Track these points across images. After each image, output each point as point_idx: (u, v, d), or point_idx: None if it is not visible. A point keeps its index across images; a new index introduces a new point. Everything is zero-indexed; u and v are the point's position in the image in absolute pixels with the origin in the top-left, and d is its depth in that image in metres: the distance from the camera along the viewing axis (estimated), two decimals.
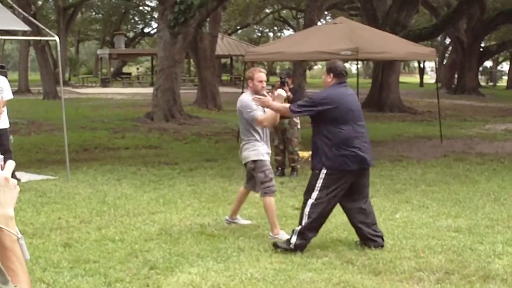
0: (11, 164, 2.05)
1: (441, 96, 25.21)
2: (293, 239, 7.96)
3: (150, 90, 33.33)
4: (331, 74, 8.34)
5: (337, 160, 8.01)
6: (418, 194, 11.65)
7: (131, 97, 43.63)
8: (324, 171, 8.03)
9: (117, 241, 8.41)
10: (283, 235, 8.56)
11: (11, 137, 13.11)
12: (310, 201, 8.06)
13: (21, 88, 46.65)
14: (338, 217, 9.68)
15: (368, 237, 8.15)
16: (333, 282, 6.80)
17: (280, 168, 13.74)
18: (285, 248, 7.92)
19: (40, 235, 8.69)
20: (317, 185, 8.02)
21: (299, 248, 7.93)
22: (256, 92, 8.89)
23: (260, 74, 9.09)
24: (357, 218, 8.30)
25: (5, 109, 12.68)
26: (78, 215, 9.84)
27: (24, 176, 12.96)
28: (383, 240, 8.19)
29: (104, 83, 58.00)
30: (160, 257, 7.66)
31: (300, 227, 8.03)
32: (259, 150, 8.80)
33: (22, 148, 17.31)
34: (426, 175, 13.69)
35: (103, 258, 7.65)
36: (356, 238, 8.51)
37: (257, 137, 8.86)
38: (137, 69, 79.17)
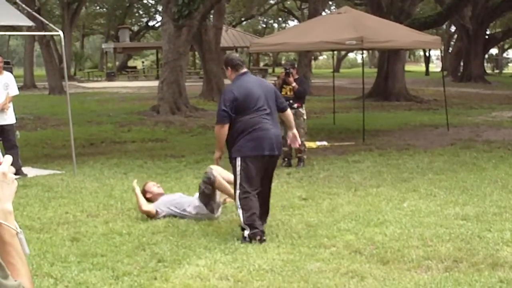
0: (8, 158, 2.05)
1: (447, 84, 25.17)
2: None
3: (155, 83, 33.33)
4: (229, 68, 8.44)
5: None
6: (426, 182, 11.62)
7: (136, 90, 43.64)
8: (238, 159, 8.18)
9: (124, 234, 8.42)
10: None
11: (17, 132, 13.14)
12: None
13: (27, 84, 46.73)
14: (345, 207, 9.69)
15: None
16: (341, 272, 6.79)
17: (286, 159, 13.73)
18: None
19: (48, 229, 8.69)
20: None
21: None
22: (156, 198, 9.57)
23: (148, 184, 9.92)
24: None
25: (11, 104, 12.71)
26: (85, 209, 9.84)
27: (31, 171, 12.98)
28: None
29: (110, 77, 58.03)
30: (168, 250, 7.66)
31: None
32: None
33: (28, 144, 17.33)
34: (433, 164, 13.65)
35: (111, 251, 7.65)
36: (363, 227, 8.50)
37: None
38: (142, 62, 79.26)
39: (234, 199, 8.38)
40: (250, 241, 7.94)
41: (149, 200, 9.57)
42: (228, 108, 8.13)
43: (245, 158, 8.14)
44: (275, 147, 8.31)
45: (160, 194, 9.51)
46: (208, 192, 9.16)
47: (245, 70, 8.51)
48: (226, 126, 8.20)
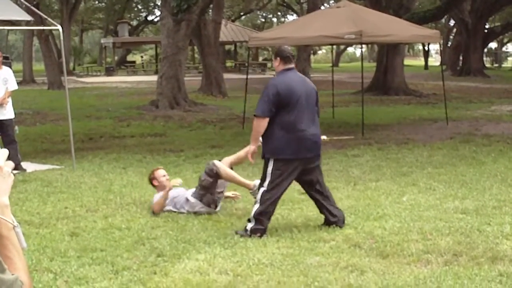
0: (3, 152, 2.04)
1: (446, 78, 25.16)
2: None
3: (154, 78, 33.31)
4: (278, 59, 8.32)
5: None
6: (425, 176, 11.62)
7: (135, 85, 43.61)
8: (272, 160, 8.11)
9: (123, 229, 8.41)
10: None
11: (16, 127, 13.13)
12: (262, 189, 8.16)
13: (26, 79, 46.70)
14: (344, 201, 9.68)
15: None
16: (340, 266, 6.79)
17: None
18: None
19: (47, 224, 8.68)
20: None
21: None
22: (163, 188, 9.38)
23: (159, 171, 9.71)
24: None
25: (10, 99, 12.70)
26: (84, 204, 9.84)
27: (30, 166, 12.97)
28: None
29: (109, 71, 57.96)
30: (167, 244, 7.65)
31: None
32: None
33: (27, 139, 17.32)
34: (432, 158, 13.65)
35: (110, 246, 7.65)
36: (362, 221, 8.50)
37: None
38: (141, 57, 79.13)
39: (258, 193, 8.26)
40: (250, 235, 7.93)
41: (153, 186, 9.58)
42: (270, 102, 8.01)
43: (279, 160, 8.06)
44: (311, 148, 8.19)
45: (165, 187, 9.38)
46: (207, 184, 9.15)
47: (293, 65, 8.39)
48: (267, 120, 8.04)
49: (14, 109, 12.96)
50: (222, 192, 9.42)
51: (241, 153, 9.60)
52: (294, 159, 8.08)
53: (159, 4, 56.14)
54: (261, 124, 8.09)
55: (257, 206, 8.11)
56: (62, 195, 10.50)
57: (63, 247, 7.60)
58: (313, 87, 8.49)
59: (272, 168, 8.07)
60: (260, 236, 7.94)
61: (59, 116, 22.89)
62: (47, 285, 6.41)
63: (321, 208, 8.42)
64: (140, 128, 20.09)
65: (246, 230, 8.04)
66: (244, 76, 21.92)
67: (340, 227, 8.26)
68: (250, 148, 8.46)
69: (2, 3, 13.26)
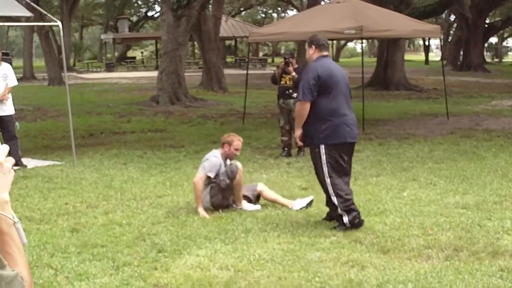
0: (4, 148, 2.03)
1: (446, 73, 25.12)
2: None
3: (155, 73, 33.29)
4: (313, 47, 8.31)
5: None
6: (426, 171, 11.62)
7: (136, 81, 43.59)
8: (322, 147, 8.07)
9: (124, 225, 8.41)
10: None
11: (17, 123, 13.14)
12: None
13: (26, 75, 46.64)
14: None
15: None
16: (341, 261, 6.79)
17: (286, 149, 13.71)
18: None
19: (47, 220, 8.69)
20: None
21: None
22: (228, 157, 9.21)
23: (239, 142, 9.33)
24: None
25: (10, 95, 12.69)
26: (85, 200, 9.84)
27: (30, 162, 12.97)
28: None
29: (109, 67, 57.91)
30: (168, 240, 7.66)
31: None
32: None
33: (28, 135, 17.32)
34: (433, 153, 13.65)
35: (111, 242, 7.65)
36: (363, 217, 8.49)
37: None
38: (142, 53, 79.08)
39: (326, 188, 8.15)
40: (351, 227, 7.90)
41: (221, 147, 9.30)
42: (312, 86, 8.01)
43: (329, 145, 8.03)
44: (353, 134, 8.24)
45: (230, 157, 9.21)
46: (224, 186, 9.04)
47: (327, 53, 8.43)
48: (309, 104, 8.04)
49: (14, 105, 12.96)
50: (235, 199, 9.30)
51: (279, 199, 9.39)
52: (342, 143, 8.09)
53: (159, 0, 56.11)
54: (305, 108, 8.08)
55: (335, 199, 8.04)
56: (63, 191, 10.50)
57: (64, 243, 7.60)
58: (346, 76, 8.52)
59: (326, 156, 8.03)
60: (359, 221, 7.96)
61: (60, 112, 22.88)
62: (47, 281, 6.41)
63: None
64: (140, 123, 20.09)
65: (344, 224, 7.97)
66: (245, 72, 21.92)
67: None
68: (296, 133, 8.35)
69: (2, 0, 13.25)
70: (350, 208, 7.99)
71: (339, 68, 8.51)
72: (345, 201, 7.99)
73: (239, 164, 9.20)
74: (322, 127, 8.03)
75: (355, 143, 8.40)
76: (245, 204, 9.19)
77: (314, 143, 8.14)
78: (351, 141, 8.24)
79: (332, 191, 8.05)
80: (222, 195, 9.09)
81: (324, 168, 8.05)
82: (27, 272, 2.00)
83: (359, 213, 8.04)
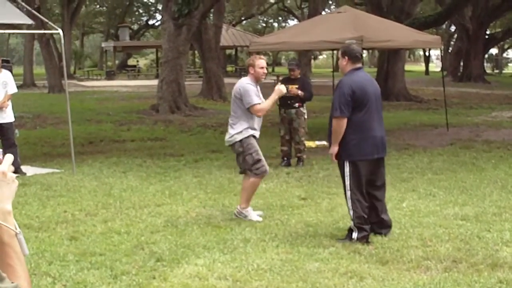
0: (9, 158, 2.02)
1: (446, 84, 25.14)
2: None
3: (155, 82, 33.31)
4: (347, 58, 8.16)
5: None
6: (425, 182, 11.61)
7: (136, 89, 43.62)
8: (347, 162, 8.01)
9: (123, 233, 8.40)
10: (250, 213, 8.96)
11: (16, 131, 13.14)
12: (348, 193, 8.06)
13: (26, 82, 46.69)
14: (344, 207, 9.66)
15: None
16: (340, 272, 6.78)
17: (286, 159, 13.71)
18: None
19: (46, 228, 8.67)
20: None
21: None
22: (257, 79, 8.94)
23: (261, 60, 9.16)
24: None
25: (10, 103, 12.69)
26: (84, 208, 9.83)
27: (29, 170, 12.96)
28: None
29: (109, 75, 58.00)
30: (167, 249, 7.64)
31: None
32: (248, 131, 8.86)
33: (27, 142, 17.32)
34: (432, 164, 13.64)
35: (109, 250, 7.64)
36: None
37: (249, 124, 8.90)
38: (137, 61, 78.92)
39: (346, 200, 8.11)
40: (357, 241, 7.86)
41: (247, 71, 9.16)
42: (348, 102, 7.89)
43: (354, 161, 7.97)
44: (381, 149, 8.16)
45: (258, 80, 9.07)
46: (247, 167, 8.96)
47: (361, 65, 8.28)
48: (345, 120, 7.92)
49: (14, 112, 12.96)
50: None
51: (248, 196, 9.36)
52: (367, 159, 8.02)
53: (160, 8, 56.19)
54: (341, 124, 7.96)
55: (351, 212, 8.02)
56: (62, 199, 10.49)
57: (62, 251, 7.59)
58: (378, 86, 8.43)
59: (349, 171, 7.99)
60: (367, 241, 7.87)
61: (59, 120, 22.89)
62: None
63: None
64: (140, 132, 20.09)
65: (351, 238, 7.94)
66: None
67: (385, 235, 8.19)
68: (332, 149, 8.17)
69: (3, 7, 13.26)
70: (362, 227, 7.95)
71: (372, 81, 8.36)
72: (359, 218, 7.94)
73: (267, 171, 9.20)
74: (350, 143, 7.95)
75: (383, 157, 8.32)
76: (249, 210, 9.15)
77: (341, 157, 8.08)
78: (378, 157, 8.17)
79: (350, 205, 8.02)
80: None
81: (346, 181, 8.02)
82: (27, 284, 1.99)
83: (369, 234, 7.98)
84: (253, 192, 9.18)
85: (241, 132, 8.96)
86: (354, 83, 7.98)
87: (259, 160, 8.96)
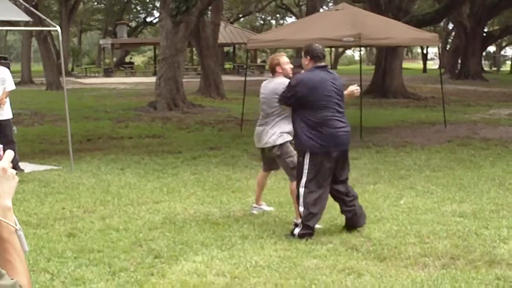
0: (9, 154, 2.01)
1: (444, 82, 25.16)
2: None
3: (153, 79, 33.28)
4: (308, 57, 8.33)
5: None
6: (423, 179, 11.62)
7: (134, 86, 43.61)
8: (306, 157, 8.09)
9: (121, 230, 8.41)
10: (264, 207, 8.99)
11: (14, 128, 13.12)
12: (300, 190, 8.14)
13: (24, 79, 46.67)
14: None
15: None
16: (338, 269, 6.79)
17: None
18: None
19: (44, 225, 8.68)
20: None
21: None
22: (287, 76, 8.90)
23: (284, 57, 9.15)
24: None
25: (8, 100, 12.68)
26: (82, 205, 9.83)
27: (27, 167, 12.96)
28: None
29: (107, 73, 57.91)
30: (165, 246, 7.65)
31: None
32: (288, 136, 8.83)
33: (25, 139, 17.30)
34: (430, 161, 13.66)
35: (107, 247, 7.64)
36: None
37: (289, 128, 8.87)
38: (130, 58, 78.68)
39: (298, 197, 8.20)
40: (298, 238, 7.94)
41: (273, 73, 9.03)
42: (288, 95, 8.18)
43: (313, 155, 8.07)
44: (341, 145, 8.31)
45: (288, 76, 8.93)
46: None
47: (323, 63, 8.41)
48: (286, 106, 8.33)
49: (12, 109, 12.94)
50: None
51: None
52: (329, 152, 8.10)
53: (158, 5, 56.14)
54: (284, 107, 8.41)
55: (301, 208, 8.09)
56: (60, 195, 10.49)
57: (60, 248, 7.59)
58: (341, 85, 8.47)
59: (308, 166, 8.08)
60: (307, 239, 7.90)
61: (57, 117, 22.87)
62: (44, 286, 6.41)
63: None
64: (138, 129, 20.09)
65: (293, 234, 8.01)
66: (243, 78, 21.93)
67: (360, 226, 8.29)
68: None
69: (1, 4, 13.25)
70: (307, 225, 8.00)
71: (334, 79, 8.38)
72: (308, 215, 8.01)
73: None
74: (310, 137, 8.06)
75: (346, 151, 8.39)
76: (264, 205, 9.32)
77: (301, 149, 8.19)
78: (341, 149, 8.27)
79: (301, 201, 8.09)
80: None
81: (303, 177, 8.08)
82: (27, 280, 1.98)
83: (311, 234, 8.00)
84: None
85: (282, 135, 8.87)
86: (304, 80, 8.19)
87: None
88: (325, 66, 8.43)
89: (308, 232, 7.98)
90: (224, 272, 6.71)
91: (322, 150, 8.06)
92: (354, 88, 8.84)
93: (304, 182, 8.07)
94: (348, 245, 7.65)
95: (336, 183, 8.34)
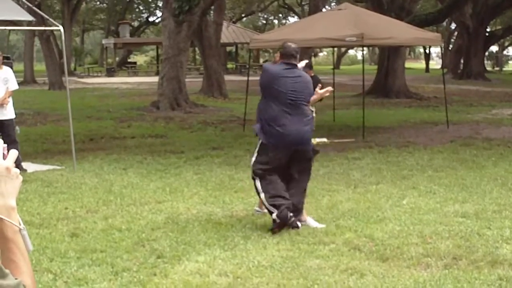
0: (13, 153, 2.01)
1: (447, 82, 25.14)
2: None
3: (155, 79, 33.30)
4: (281, 54, 8.66)
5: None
6: (425, 179, 11.62)
7: (136, 86, 43.62)
8: (259, 141, 8.56)
9: (124, 230, 8.41)
10: (310, 221, 8.70)
11: (17, 127, 13.12)
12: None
13: (27, 79, 46.68)
14: (344, 204, 9.69)
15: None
16: (340, 269, 6.79)
17: None
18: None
19: (47, 225, 8.69)
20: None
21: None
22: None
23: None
24: None
25: (10, 99, 12.70)
26: (84, 205, 9.84)
27: (30, 167, 12.98)
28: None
29: (110, 72, 57.95)
30: (167, 246, 7.66)
31: None
32: None
33: (28, 139, 17.31)
34: (433, 161, 13.65)
35: (110, 247, 7.65)
36: (363, 224, 8.50)
37: None
38: (128, 58, 78.45)
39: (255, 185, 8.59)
40: (280, 220, 8.15)
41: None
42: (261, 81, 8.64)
43: (264, 144, 8.55)
44: (289, 145, 8.42)
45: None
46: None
47: (293, 63, 8.53)
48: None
49: (15, 109, 12.96)
50: None
51: None
52: (275, 147, 8.39)
53: (160, 5, 56.18)
54: None
55: (262, 195, 8.41)
56: (63, 195, 10.50)
57: (63, 248, 7.60)
58: (303, 88, 8.49)
59: (260, 156, 8.52)
60: (284, 215, 8.15)
61: (60, 117, 22.88)
62: (46, 285, 6.42)
63: None
64: (140, 129, 20.10)
65: (274, 221, 8.23)
66: (245, 78, 21.90)
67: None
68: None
69: (4, 3, 13.26)
70: (275, 204, 8.23)
71: (298, 77, 8.46)
72: (271, 197, 8.29)
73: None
74: (264, 130, 8.47)
75: (302, 151, 8.47)
76: (309, 220, 8.76)
77: (259, 137, 8.58)
78: (293, 148, 8.40)
79: (259, 188, 8.44)
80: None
81: (253, 157, 8.53)
82: (31, 280, 1.98)
83: (286, 206, 8.24)
84: None
85: None
86: (267, 71, 8.60)
87: None
88: (292, 65, 8.54)
89: (282, 208, 8.17)
90: (227, 272, 6.72)
91: (271, 146, 8.40)
92: (323, 91, 8.87)
93: (253, 162, 8.56)
94: (350, 245, 7.65)
95: (287, 179, 8.56)
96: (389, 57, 33.16)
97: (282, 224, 8.19)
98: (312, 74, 13.56)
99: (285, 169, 8.47)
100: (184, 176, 12.21)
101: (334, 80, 23.27)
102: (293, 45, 8.66)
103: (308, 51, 33.98)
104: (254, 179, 8.54)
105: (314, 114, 13.65)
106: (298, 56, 8.66)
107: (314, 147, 13.20)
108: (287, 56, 8.53)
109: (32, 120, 22.75)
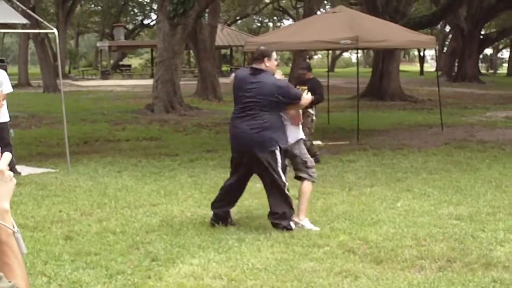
0: (7, 156, 2.02)
1: (441, 84, 25.19)
2: None
3: (150, 82, 33.28)
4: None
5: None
6: (419, 182, 11.63)
7: (131, 89, 43.57)
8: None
9: (118, 233, 8.41)
10: (306, 223, 8.72)
11: (11, 130, 13.10)
12: None
13: (21, 82, 46.59)
14: (339, 207, 9.69)
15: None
16: (334, 271, 6.79)
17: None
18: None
19: (41, 228, 8.67)
20: None
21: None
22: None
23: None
24: None
25: (5, 102, 12.67)
26: (79, 208, 9.83)
27: (24, 170, 12.96)
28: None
29: (104, 75, 57.86)
30: (162, 249, 7.65)
31: None
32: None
33: (22, 142, 17.29)
34: (427, 163, 13.67)
35: (104, 250, 7.64)
36: (357, 227, 8.51)
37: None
38: (121, 60, 78.26)
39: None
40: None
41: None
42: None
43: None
44: (239, 146, 8.77)
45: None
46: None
47: (256, 65, 8.63)
48: None
49: (9, 112, 12.93)
50: None
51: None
52: (233, 149, 8.86)
53: (155, 8, 56.17)
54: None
55: None
56: (57, 198, 10.49)
57: (57, 251, 7.59)
58: (257, 89, 8.47)
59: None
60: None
61: (54, 120, 22.85)
62: None
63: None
64: (135, 132, 20.08)
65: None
66: None
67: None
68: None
69: None
70: (213, 207, 8.76)
71: (258, 80, 8.49)
72: (215, 201, 8.84)
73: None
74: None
75: (253, 156, 8.50)
76: (306, 221, 8.77)
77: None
78: (242, 150, 8.64)
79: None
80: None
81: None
82: (25, 283, 1.99)
83: (215, 216, 8.69)
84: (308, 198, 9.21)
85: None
86: (235, 74, 9.00)
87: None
88: (255, 68, 8.64)
89: (213, 215, 8.76)
90: (221, 275, 6.71)
91: (231, 147, 8.85)
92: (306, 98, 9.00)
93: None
94: (344, 247, 7.65)
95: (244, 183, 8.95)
96: (383, 59, 33.22)
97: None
98: (311, 77, 13.58)
99: (244, 172, 8.75)
100: (179, 178, 12.21)
101: (328, 82, 23.29)
102: (261, 48, 8.92)
103: (303, 54, 34.03)
104: None
105: (314, 117, 13.70)
106: (265, 58, 8.60)
107: (317, 156, 13.31)
108: (253, 59, 8.81)
109: (27, 123, 22.72)
